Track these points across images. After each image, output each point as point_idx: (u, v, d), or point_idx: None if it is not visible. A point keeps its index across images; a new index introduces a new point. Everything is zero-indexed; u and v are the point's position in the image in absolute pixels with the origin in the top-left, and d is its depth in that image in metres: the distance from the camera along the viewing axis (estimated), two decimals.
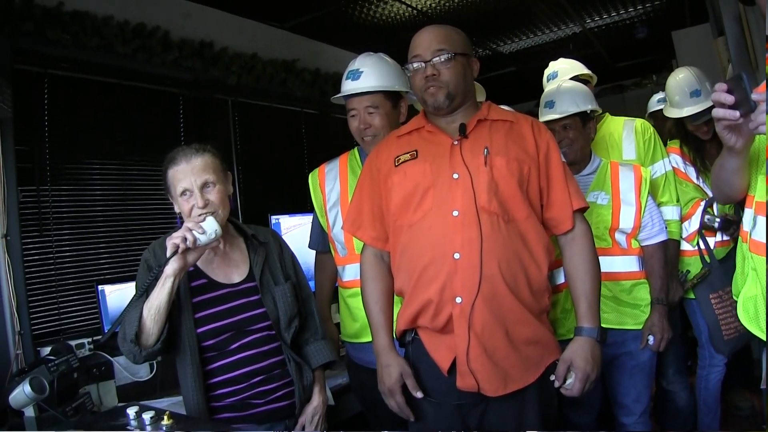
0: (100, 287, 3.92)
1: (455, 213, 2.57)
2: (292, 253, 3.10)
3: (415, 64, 2.73)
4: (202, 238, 2.59)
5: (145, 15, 4.63)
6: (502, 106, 4.87)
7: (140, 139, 4.75)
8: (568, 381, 2.59)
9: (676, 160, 4.28)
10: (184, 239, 2.54)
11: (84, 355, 3.85)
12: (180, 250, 2.54)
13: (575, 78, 4.32)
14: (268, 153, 5.85)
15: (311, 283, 3.44)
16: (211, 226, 2.62)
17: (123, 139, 4.66)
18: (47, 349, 3.69)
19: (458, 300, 2.54)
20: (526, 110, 5.39)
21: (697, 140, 4.28)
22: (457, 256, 2.54)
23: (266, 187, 5.75)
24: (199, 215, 2.68)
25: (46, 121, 4.17)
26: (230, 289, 2.84)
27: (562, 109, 3.77)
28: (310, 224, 3.74)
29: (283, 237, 3.23)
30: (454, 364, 2.61)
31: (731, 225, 4.10)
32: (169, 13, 4.85)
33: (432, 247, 2.60)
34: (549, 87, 4.06)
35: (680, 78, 4.26)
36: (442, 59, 2.68)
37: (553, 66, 4.82)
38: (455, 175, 2.62)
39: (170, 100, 5.04)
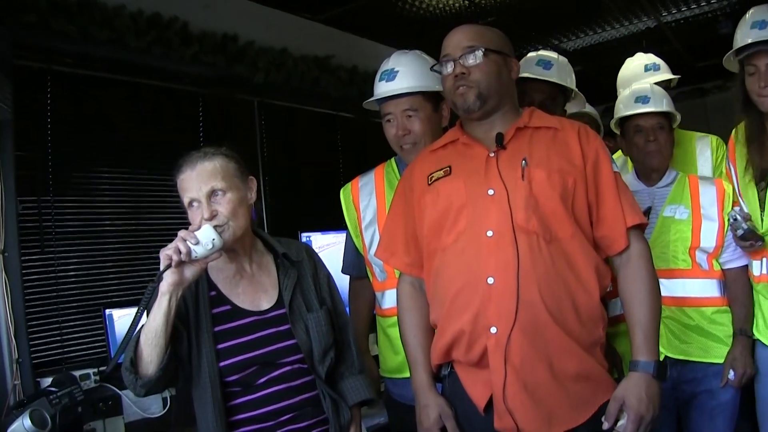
0: (107, 311, 3.96)
1: (489, 233, 2.59)
2: (329, 273, 3.08)
3: (444, 65, 2.77)
4: (198, 250, 2.54)
5: (161, 4, 4.66)
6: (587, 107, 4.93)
7: (155, 145, 4.79)
8: (620, 422, 2.56)
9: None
10: (178, 251, 2.51)
11: (89, 387, 3.86)
12: (174, 264, 2.51)
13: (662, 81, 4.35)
14: (299, 161, 5.89)
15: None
16: (206, 236, 2.57)
17: (135, 144, 4.70)
18: (48, 380, 3.73)
19: (493, 330, 2.55)
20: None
21: (759, 116, 4.08)
22: (490, 280, 2.56)
23: (296, 200, 5.77)
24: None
25: (49, 123, 4.21)
26: (257, 317, 2.82)
27: (659, 105, 3.80)
28: (344, 245, 3.76)
29: None
30: (491, 402, 2.61)
31: (754, 237, 3.90)
32: (188, 3, 4.88)
33: (464, 272, 2.63)
34: (638, 84, 4.06)
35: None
36: (472, 56, 2.71)
37: (653, 58, 4.85)
38: (490, 191, 2.64)
39: (189, 100, 5.09)
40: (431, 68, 2.97)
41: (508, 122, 2.78)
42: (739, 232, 3.48)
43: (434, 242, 2.75)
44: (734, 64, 3.64)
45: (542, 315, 2.53)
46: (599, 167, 2.71)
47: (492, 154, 2.70)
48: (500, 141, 2.70)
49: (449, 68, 2.76)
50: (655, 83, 4.37)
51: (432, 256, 2.76)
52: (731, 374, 3.54)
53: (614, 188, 2.70)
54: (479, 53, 2.70)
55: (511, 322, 2.52)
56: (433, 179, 2.79)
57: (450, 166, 2.77)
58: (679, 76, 4.80)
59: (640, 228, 2.75)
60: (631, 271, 2.70)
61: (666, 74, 4.77)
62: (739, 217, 3.49)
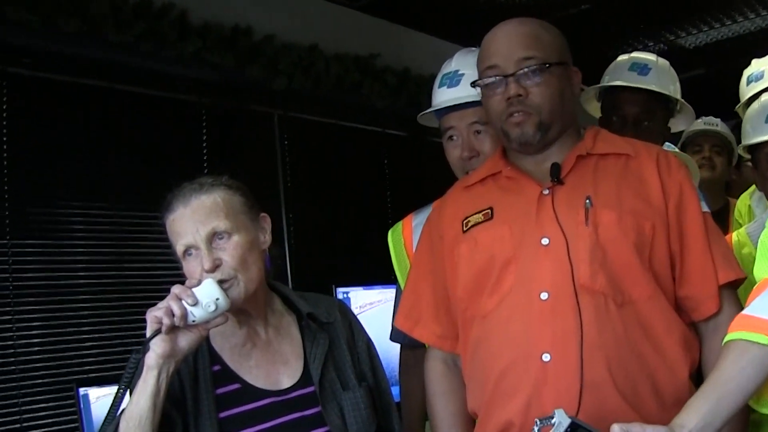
0: (82, 390, 3.92)
1: (543, 295, 2.55)
2: (369, 339, 3.03)
3: (490, 79, 2.70)
4: (197, 312, 2.46)
5: None
6: (709, 119, 4.85)
7: (143, 172, 4.78)
8: None
9: None
10: (170, 312, 2.43)
11: None
12: (164, 329, 2.43)
13: None
14: (333, 193, 5.91)
15: (394, 390, 3.35)
16: (208, 295, 2.48)
17: (118, 171, 4.71)
18: None
19: None
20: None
21: None
22: (546, 357, 2.52)
23: (328, 244, 5.81)
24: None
25: (4, 143, 4.22)
26: (276, 398, 2.75)
27: None
28: (393, 304, 3.72)
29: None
30: None
31: None
32: None
33: (511, 346, 2.58)
34: None
35: None
36: (532, 72, 2.64)
37: (758, 64, 4.78)
38: (544, 241, 2.59)
39: (188, 112, 5.12)
40: (471, 84, 2.88)
41: (566, 148, 2.75)
42: None
43: (471, 307, 2.71)
44: None
45: (613, 399, 2.48)
46: (684, 207, 2.66)
47: (546, 192, 2.65)
48: (556, 174, 2.65)
49: (499, 87, 2.68)
50: None
51: (468, 324, 2.74)
52: None
53: (702, 234, 2.65)
54: (540, 67, 2.64)
55: (573, 410, 2.43)
56: (470, 225, 2.75)
57: (491, 208, 2.73)
58: None
59: (736, 285, 2.67)
60: (720, 343, 2.53)
61: None
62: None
